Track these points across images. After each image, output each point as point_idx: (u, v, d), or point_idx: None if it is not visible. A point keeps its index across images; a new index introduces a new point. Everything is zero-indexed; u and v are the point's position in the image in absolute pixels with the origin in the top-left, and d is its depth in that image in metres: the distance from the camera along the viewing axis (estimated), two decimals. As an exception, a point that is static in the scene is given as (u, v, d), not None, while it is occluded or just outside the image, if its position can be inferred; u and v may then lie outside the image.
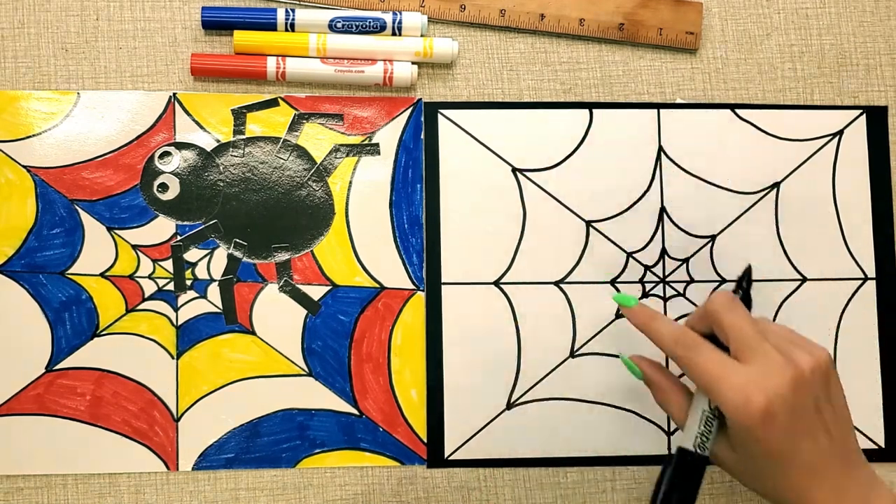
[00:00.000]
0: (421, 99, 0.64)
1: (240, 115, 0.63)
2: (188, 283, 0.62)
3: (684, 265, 0.63)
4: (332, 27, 0.63)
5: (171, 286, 0.62)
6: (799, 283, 0.64)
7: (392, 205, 0.63)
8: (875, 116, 0.65)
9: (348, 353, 0.62)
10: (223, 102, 0.63)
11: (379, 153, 0.63)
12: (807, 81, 0.65)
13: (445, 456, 0.62)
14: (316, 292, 0.62)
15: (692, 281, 0.63)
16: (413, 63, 0.63)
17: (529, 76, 0.64)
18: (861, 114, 0.65)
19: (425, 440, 0.62)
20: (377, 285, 0.62)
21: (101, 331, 0.61)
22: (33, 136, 0.62)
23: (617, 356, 0.62)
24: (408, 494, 0.62)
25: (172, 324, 0.61)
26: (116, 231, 0.62)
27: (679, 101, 0.64)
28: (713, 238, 0.64)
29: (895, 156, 0.65)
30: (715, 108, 0.64)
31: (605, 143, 0.64)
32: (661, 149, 0.64)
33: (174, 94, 0.63)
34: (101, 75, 0.63)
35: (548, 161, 0.63)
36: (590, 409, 0.62)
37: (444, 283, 0.62)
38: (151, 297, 0.61)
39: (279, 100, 0.63)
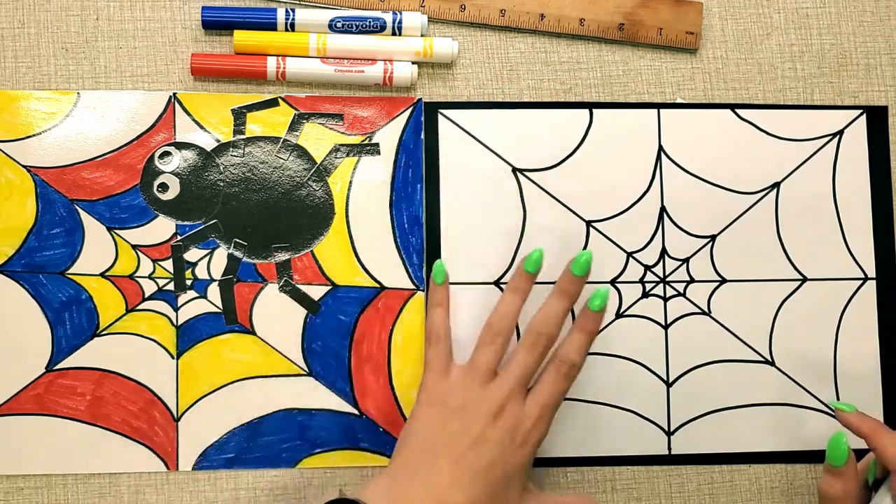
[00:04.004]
0: (421, 99, 0.64)
1: (240, 114, 0.63)
2: (188, 283, 0.62)
3: (684, 265, 0.63)
4: (332, 27, 0.63)
5: (171, 286, 0.62)
6: (799, 283, 0.64)
7: (392, 205, 0.63)
8: (875, 116, 0.65)
9: (348, 353, 0.62)
10: (223, 102, 0.63)
11: (379, 153, 0.63)
12: (807, 81, 0.65)
13: (445, 456, 0.62)
14: (316, 292, 0.62)
15: (692, 281, 0.63)
16: (413, 63, 0.63)
17: (529, 76, 0.64)
18: (861, 114, 0.65)
19: (425, 440, 0.62)
20: (377, 285, 0.62)
21: (101, 331, 0.61)
22: (33, 136, 0.62)
23: (614, 356, 0.62)
24: (408, 494, 0.62)
25: (172, 324, 0.61)
26: (116, 231, 0.62)
27: (679, 101, 0.65)
28: (713, 238, 0.64)
29: (895, 156, 0.65)
30: (715, 108, 0.64)
31: (605, 143, 0.64)
32: (661, 149, 0.64)
33: (174, 93, 0.63)
34: (101, 75, 0.63)
35: (548, 161, 0.63)
36: (590, 409, 0.62)
37: (444, 283, 0.62)
38: (151, 297, 0.61)
39: (279, 100, 0.63)
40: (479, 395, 0.55)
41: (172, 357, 0.61)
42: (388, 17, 0.63)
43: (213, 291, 0.62)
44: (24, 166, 0.62)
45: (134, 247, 0.62)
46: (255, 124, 0.63)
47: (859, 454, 0.56)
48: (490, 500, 0.53)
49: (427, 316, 0.60)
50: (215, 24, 0.63)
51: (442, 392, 0.56)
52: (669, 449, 0.63)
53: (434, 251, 0.62)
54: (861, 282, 0.64)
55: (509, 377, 0.56)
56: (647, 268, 0.63)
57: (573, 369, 0.57)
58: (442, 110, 0.63)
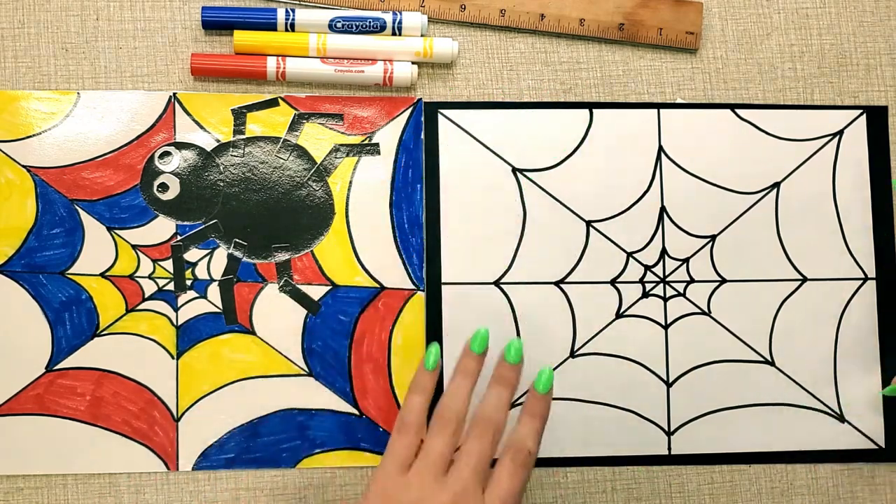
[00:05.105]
0: (421, 99, 0.64)
1: (240, 114, 0.63)
2: (188, 283, 0.62)
3: (684, 265, 0.63)
4: (332, 27, 0.63)
5: (171, 286, 0.62)
6: (799, 283, 0.64)
7: (392, 205, 0.63)
8: (875, 116, 0.65)
9: (348, 353, 0.62)
10: (223, 102, 0.63)
11: (379, 153, 0.63)
12: (807, 81, 0.65)
13: (445, 456, 0.62)
14: (316, 292, 0.62)
15: (692, 281, 0.63)
16: (413, 63, 0.63)
17: (529, 76, 0.64)
18: (861, 114, 0.65)
19: (425, 440, 0.62)
20: (377, 285, 0.62)
21: (101, 331, 0.61)
22: (33, 136, 0.62)
23: (614, 356, 0.62)
24: (408, 494, 0.62)
25: (172, 324, 0.61)
26: (116, 231, 0.62)
27: (679, 101, 0.65)
28: (713, 238, 0.64)
29: (895, 156, 0.65)
30: (715, 108, 0.64)
31: (605, 143, 0.64)
32: (661, 149, 0.64)
33: (174, 93, 0.63)
34: (101, 75, 0.63)
35: (548, 161, 0.63)
36: (590, 409, 0.62)
37: (444, 283, 0.62)
38: (151, 297, 0.61)
39: (279, 100, 0.63)
40: (434, 491, 0.51)
41: (172, 357, 0.61)
42: (388, 18, 0.63)
43: (213, 291, 0.62)
44: (24, 166, 0.62)
45: (134, 247, 0.62)
46: (255, 124, 0.63)
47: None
48: None
49: (405, 400, 0.55)
50: (215, 24, 0.63)
51: (397, 487, 0.51)
52: (669, 449, 0.63)
53: (434, 251, 0.62)
54: (861, 282, 0.64)
55: (464, 470, 0.51)
56: (647, 268, 0.63)
57: (529, 457, 0.53)
58: (442, 110, 0.63)
